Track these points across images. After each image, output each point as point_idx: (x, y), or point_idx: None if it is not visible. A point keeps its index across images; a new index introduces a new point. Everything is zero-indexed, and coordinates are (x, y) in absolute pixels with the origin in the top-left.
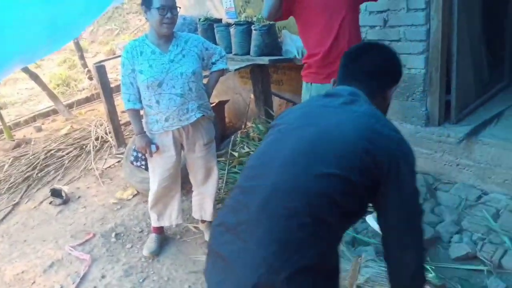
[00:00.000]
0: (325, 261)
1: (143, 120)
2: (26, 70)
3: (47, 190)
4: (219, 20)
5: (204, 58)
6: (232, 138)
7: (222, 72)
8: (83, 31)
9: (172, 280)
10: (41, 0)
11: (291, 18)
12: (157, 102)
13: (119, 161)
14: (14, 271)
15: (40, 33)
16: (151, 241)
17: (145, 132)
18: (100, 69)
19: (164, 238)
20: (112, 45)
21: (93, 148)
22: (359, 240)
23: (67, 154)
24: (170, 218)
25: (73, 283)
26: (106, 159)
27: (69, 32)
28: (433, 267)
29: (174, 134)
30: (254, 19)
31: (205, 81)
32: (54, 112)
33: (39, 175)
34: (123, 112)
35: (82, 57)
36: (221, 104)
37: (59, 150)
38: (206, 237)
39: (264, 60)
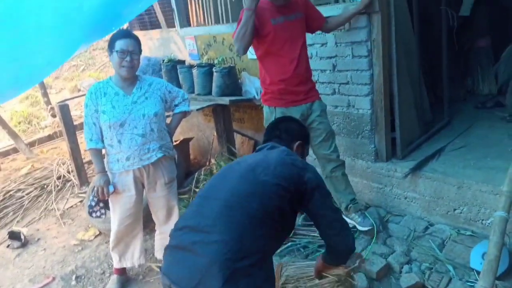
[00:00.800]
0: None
1: (105, 160)
2: None
3: (5, 233)
4: (183, 62)
5: (167, 100)
6: (195, 175)
7: (185, 114)
8: (46, 77)
9: None
10: (3, 58)
11: (249, 60)
12: (119, 141)
13: (81, 201)
14: None
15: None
16: (112, 283)
17: (106, 171)
18: (63, 108)
19: (126, 280)
20: (77, 81)
21: (54, 187)
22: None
23: (27, 194)
24: (133, 258)
25: None
26: (68, 198)
27: (31, 81)
28: None
29: (135, 173)
30: (216, 61)
31: (168, 120)
32: (15, 150)
33: None
34: (86, 150)
35: (45, 94)
36: (186, 142)
37: (18, 190)
38: None
39: (225, 100)
